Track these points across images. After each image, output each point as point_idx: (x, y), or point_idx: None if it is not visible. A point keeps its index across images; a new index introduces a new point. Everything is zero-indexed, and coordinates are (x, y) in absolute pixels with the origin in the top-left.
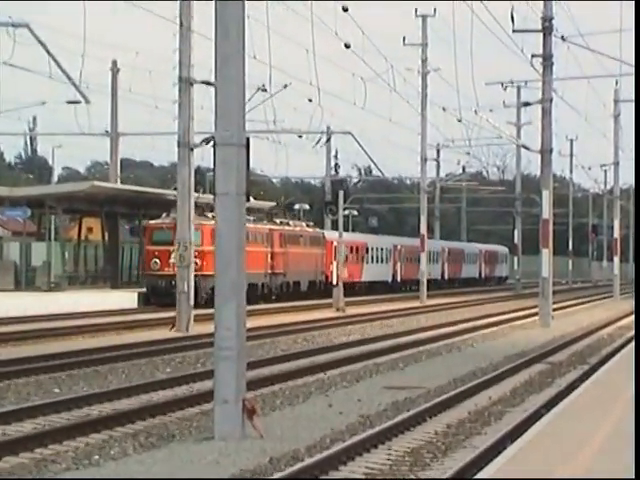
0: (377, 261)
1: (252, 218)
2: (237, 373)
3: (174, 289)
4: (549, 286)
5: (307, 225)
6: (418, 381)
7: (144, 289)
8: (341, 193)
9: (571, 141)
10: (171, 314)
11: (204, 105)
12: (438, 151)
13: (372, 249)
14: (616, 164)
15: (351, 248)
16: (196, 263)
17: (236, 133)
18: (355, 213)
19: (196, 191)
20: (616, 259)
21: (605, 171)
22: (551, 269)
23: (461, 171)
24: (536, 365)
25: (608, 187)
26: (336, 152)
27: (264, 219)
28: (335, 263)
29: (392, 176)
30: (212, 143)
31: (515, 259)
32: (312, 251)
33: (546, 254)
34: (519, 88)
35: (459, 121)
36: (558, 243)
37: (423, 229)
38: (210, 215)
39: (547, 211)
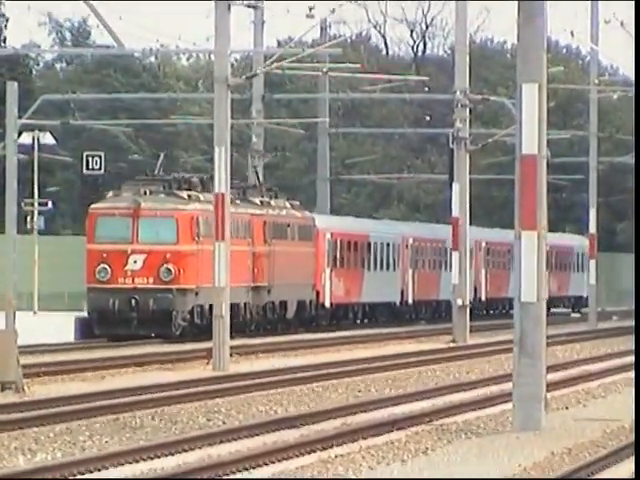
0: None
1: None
2: None
3: (133, 312)
4: (540, 327)
5: (291, 206)
6: None
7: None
8: (12, 88)
9: None
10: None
11: None
12: None
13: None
14: None
15: (348, 244)
16: (168, 270)
17: None
18: (51, 140)
19: None
20: None
21: None
22: (543, 282)
23: (318, 36)
24: None
25: None
26: None
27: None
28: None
29: (146, 47)
30: None
31: (455, 257)
32: (300, 249)
33: (531, 242)
34: None
35: None
36: (563, 215)
37: (221, 181)
38: (186, 195)
39: (533, 137)
